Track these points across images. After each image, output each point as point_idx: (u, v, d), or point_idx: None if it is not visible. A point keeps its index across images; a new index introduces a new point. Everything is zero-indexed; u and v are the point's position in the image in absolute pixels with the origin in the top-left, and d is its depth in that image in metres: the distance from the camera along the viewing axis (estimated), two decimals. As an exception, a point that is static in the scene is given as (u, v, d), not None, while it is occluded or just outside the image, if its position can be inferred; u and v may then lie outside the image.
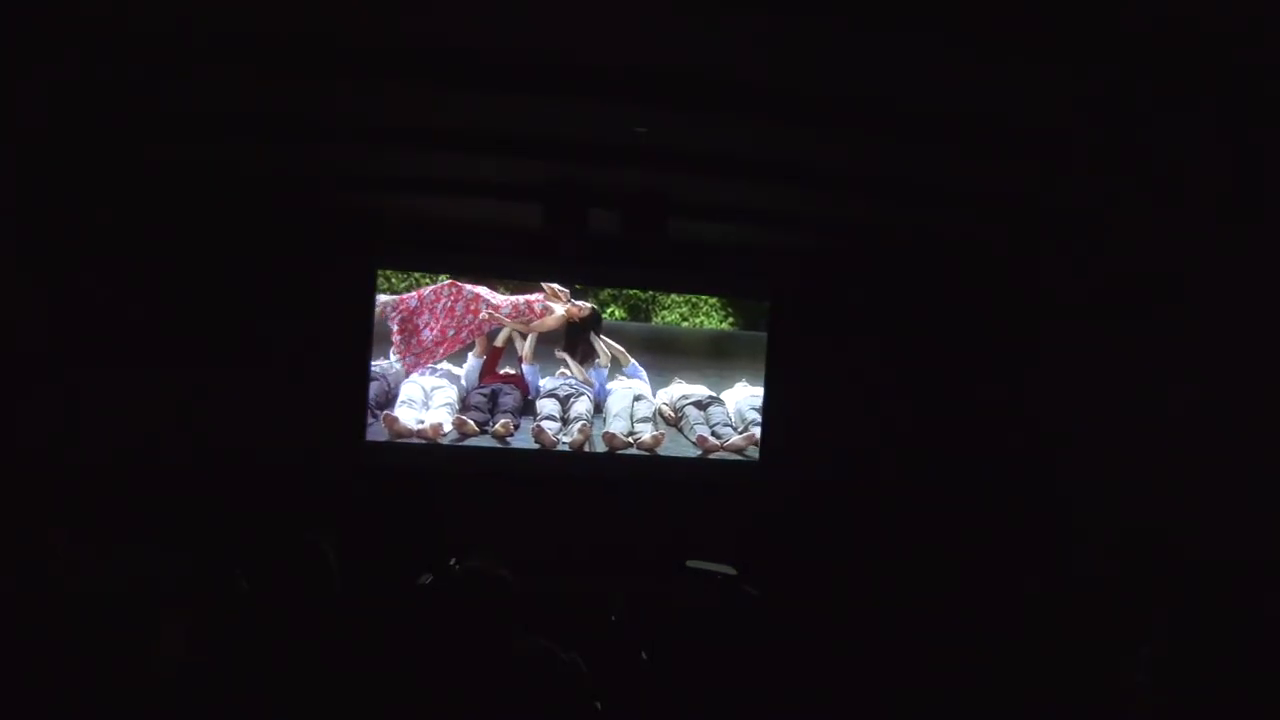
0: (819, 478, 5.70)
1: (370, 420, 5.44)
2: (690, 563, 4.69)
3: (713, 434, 5.79)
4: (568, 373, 5.79)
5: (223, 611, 2.38)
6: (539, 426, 5.57)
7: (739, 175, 4.08)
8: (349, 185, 4.79)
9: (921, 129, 3.31)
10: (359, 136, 3.82)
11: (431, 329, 5.57)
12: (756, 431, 5.82)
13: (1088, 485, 4.43)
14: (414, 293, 5.57)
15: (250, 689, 2.10)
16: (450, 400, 5.60)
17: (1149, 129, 3.23)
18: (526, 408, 5.71)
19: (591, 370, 5.80)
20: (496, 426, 5.54)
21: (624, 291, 5.84)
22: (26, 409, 4.13)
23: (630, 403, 5.76)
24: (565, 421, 5.67)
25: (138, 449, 4.56)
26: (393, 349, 5.54)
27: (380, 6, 2.62)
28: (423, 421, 5.48)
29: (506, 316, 5.63)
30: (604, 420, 5.71)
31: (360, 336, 5.44)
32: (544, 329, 5.71)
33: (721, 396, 5.95)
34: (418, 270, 5.59)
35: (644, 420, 5.75)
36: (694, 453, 5.75)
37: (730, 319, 6.03)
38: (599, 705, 2.42)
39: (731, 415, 5.90)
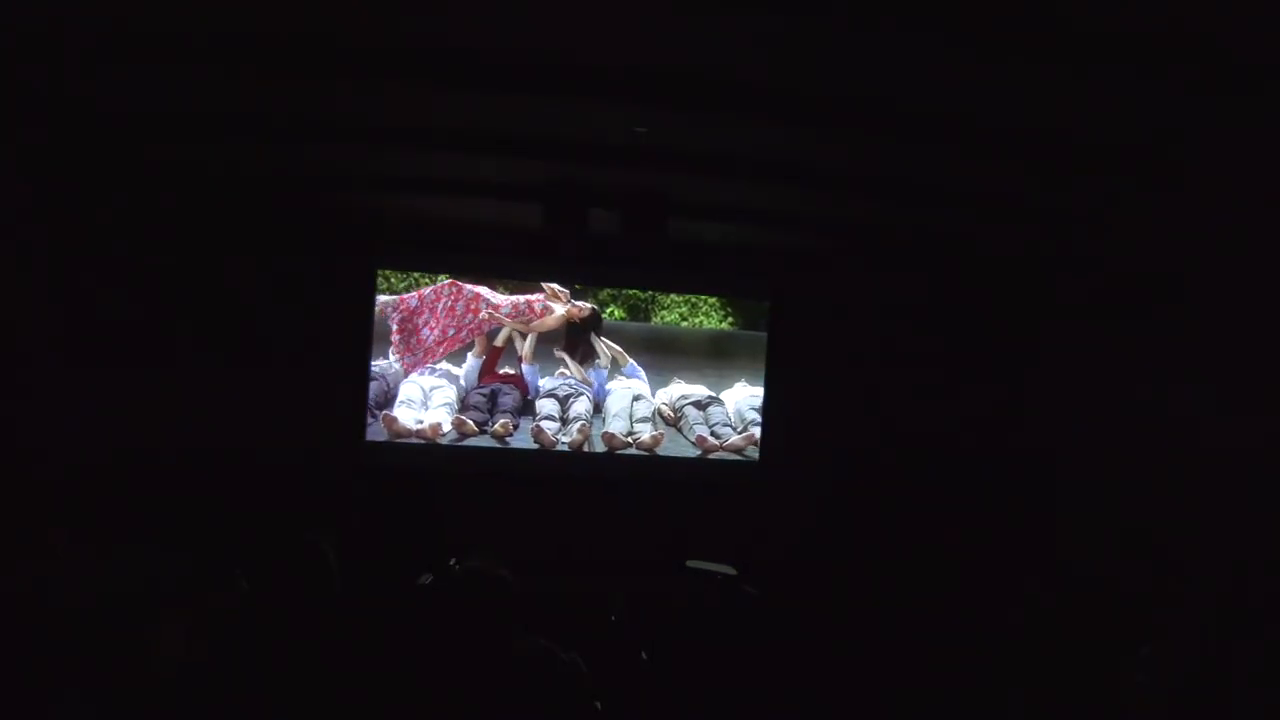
0: (819, 478, 5.70)
1: (370, 420, 5.45)
2: (690, 563, 4.69)
3: (712, 434, 5.79)
4: (567, 373, 5.79)
5: (223, 611, 2.37)
6: (538, 426, 5.57)
7: (739, 175, 4.08)
8: (349, 185, 4.79)
9: (921, 129, 3.31)
10: (359, 136, 3.82)
11: (431, 328, 5.57)
12: (756, 431, 5.81)
13: (1088, 485, 4.43)
14: (414, 293, 5.57)
15: (250, 689, 2.10)
16: (449, 400, 5.60)
17: (1149, 129, 3.23)
18: (526, 408, 5.71)
19: (591, 370, 5.80)
20: (495, 426, 5.53)
21: (623, 291, 5.84)
22: (26, 409, 4.12)
23: (629, 403, 5.76)
24: (564, 421, 5.67)
25: (138, 449, 4.56)
26: (391, 349, 5.54)
27: (380, 6, 2.62)
28: (421, 421, 5.48)
29: (507, 316, 5.63)
30: (603, 420, 5.71)
31: (360, 336, 5.44)
32: (544, 329, 5.71)
33: (721, 396, 5.95)
34: (418, 270, 5.59)
35: (643, 420, 5.75)
36: (693, 453, 5.75)
37: (730, 319, 6.03)
38: (599, 705, 2.42)
39: (731, 415, 5.90)
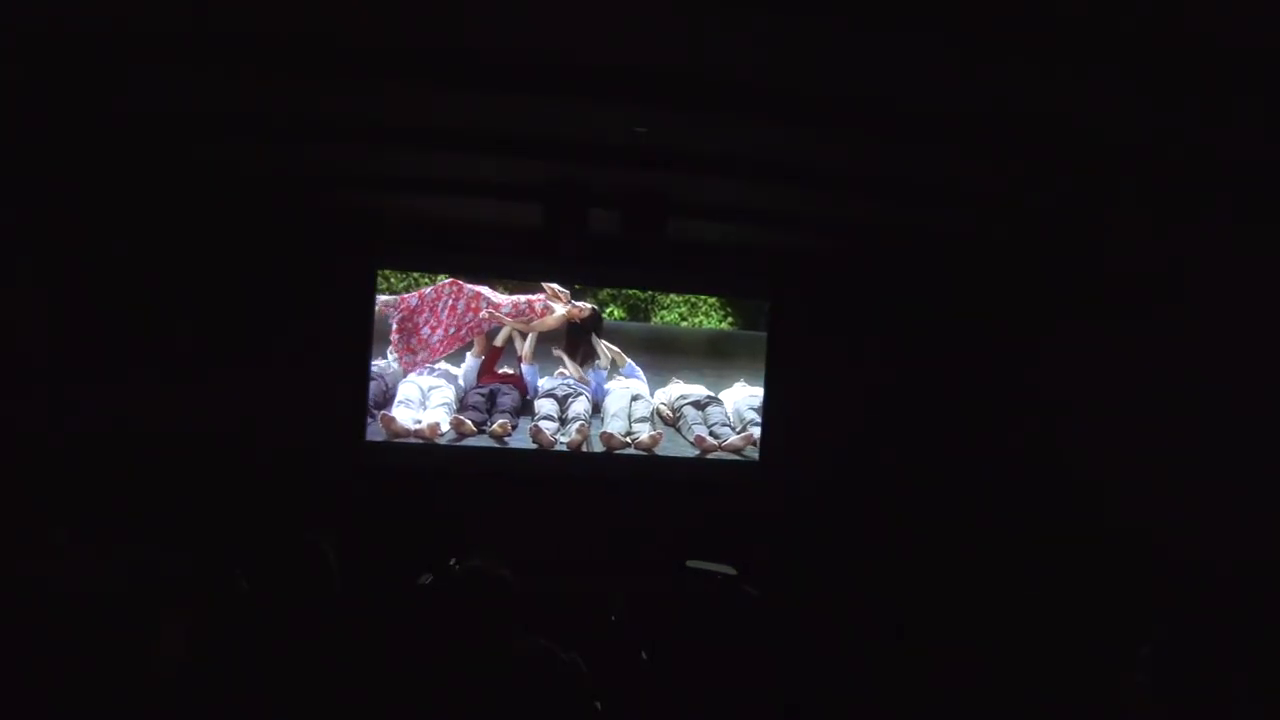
0: (819, 478, 5.70)
1: (369, 420, 5.45)
2: (690, 563, 4.69)
3: (711, 434, 5.78)
4: (565, 373, 5.79)
5: (223, 611, 2.38)
6: (536, 426, 5.57)
7: (739, 175, 4.08)
8: (349, 185, 4.79)
9: (921, 129, 3.31)
10: (359, 136, 3.82)
11: (433, 327, 5.57)
12: (755, 432, 5.81)
13: (1088, 485, 4.43)
14: (414, 292, 5.57)
15: (250, 689, 2.10)
16: (448, 400, 5.60)
17: (1149, 129, 3.23)
18: (525, 408, 5.71)
19: (590, 371, 5.80)
20: (494, 426, 5.53)
21: (623, 291, 5.84)
22: (26, 409, 4.13)
23: (628, 403, 5.76)
24: (563, 421, 5.67)
25: (138, 448, 4.56)
26: (390, 348, 5.54)
27: (380, 6, 2.62)
28: (420, 421, 5.47)
29: (507, 315, 5.63)
30: (602, 420, 5.71)
31: (360, 336, 5.44)
32: (544, 328, 5.71)
33: (720, 396, 5.95)
34: (418, 270, 5.59)
35: (642, 420, 5.75)
36: (692, 453, 5.75)
37: (729, 319, 6.03)
38: (599, 705, 2.42)
39: (730, 415, 5.90)
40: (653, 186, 4.52)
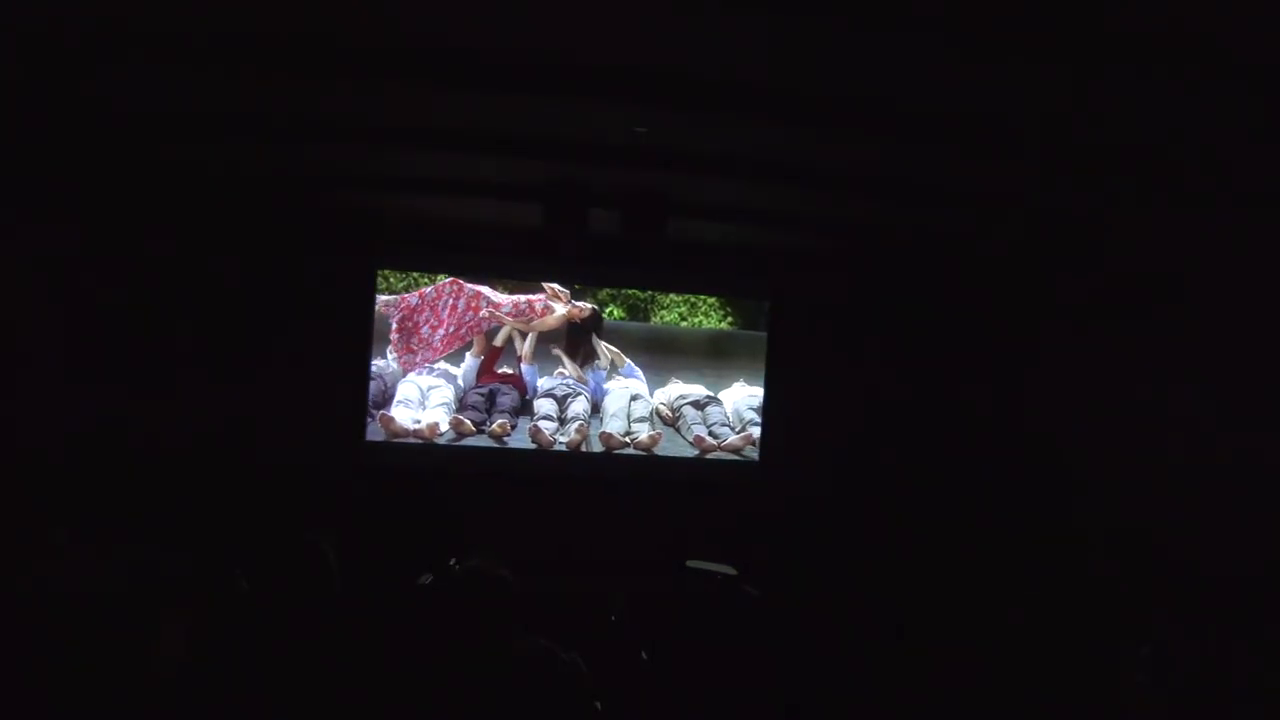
0: (819, 478, 5.70)
1: (369, 420, 5.44)
2: (690, 563, 4.69)
3: (710, 434, 5.78)
4: (565, 372, 5.79)
5: (223, 611, 2.38)
6: (535, 426, 5.57)
7: (739, 175, 4.08)
8: (349, 185, 4.79)
9: (921, 129, 3.31)
10: (359, 136, 3.82)
11: (433, 327, 5.57)
12: (754, 431, 5.81)
13: (1088, 485, 4.43)
14: (415, 292, 5.57)
15: (250, 689, 2.10)
16: (447, 400, 5.60)
17: (1149, 129, 3.23)
18: (524, 408, 5.71)
19: (589, 371, 5.80)
20: (494, 426, 5.53)
21: (623, 291, 5.84)
22: (26, 409, 4.13)
23: (627, 402, 5.76)
24: (562, 421, 5.67)
25: (138, 449, 4.56)
26: (390, 348, 5.54)
27: (380, 6, 2.62)
28: (419, 421, 5.47)
29: (508, 315, 5.63)
30: (601, 420, 5.71)
31: (360, 336, 5.44)
32: (544, 328, 5.71)
33: (719, 396, 5.95)
34: (418, 270, 5.59)
35: (641, 420, 5.75)
36: (691, 453, 5.75)
37: (729, 319, 6.03)
38: (599, 705, 2.42)
39: (729, 415, 5.90)
40: (653, 186, 4.52)
